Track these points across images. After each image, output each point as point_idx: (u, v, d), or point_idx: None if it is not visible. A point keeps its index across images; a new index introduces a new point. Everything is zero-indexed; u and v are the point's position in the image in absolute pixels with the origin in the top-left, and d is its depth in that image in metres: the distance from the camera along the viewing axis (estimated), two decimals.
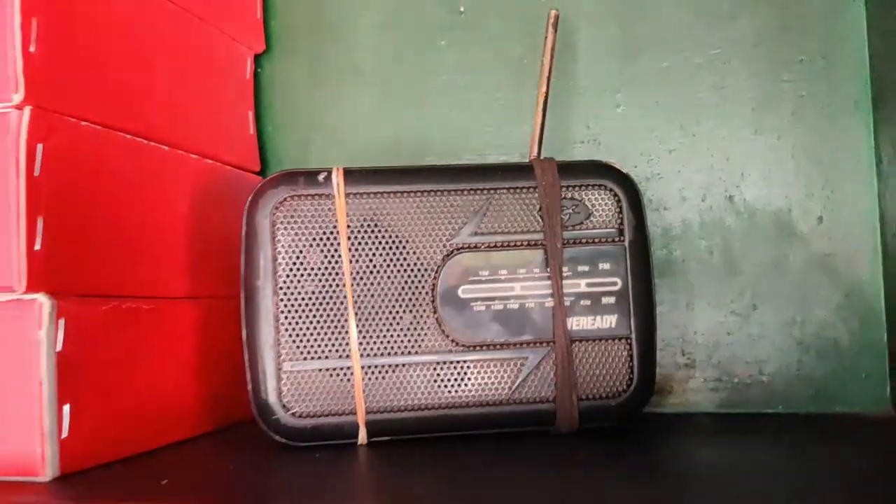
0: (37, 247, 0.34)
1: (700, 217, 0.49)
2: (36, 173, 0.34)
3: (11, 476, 0.34)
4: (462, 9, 0.52)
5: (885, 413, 0.45)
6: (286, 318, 0.39)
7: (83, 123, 0.37)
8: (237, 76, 0.52)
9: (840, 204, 0.47)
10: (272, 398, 0.39)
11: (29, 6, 0.34)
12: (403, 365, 0.40)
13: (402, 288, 0.40)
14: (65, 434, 0.35)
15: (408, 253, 0.40)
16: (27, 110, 0.34)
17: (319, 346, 0.39)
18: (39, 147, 0.35)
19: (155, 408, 0.41)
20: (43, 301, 0.34)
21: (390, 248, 0.40)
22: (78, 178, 0.37)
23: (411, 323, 0.40)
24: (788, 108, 0.48)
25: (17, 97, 0.34)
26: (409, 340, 0.40)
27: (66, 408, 0.35)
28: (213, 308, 0.47)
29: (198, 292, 0.45)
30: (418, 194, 0.41)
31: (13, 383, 0.34)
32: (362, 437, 0.40)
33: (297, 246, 0.40)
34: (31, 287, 0.34)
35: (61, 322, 0.35)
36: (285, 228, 0.40)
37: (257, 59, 0.54)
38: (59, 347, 0.35)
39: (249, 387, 0.39)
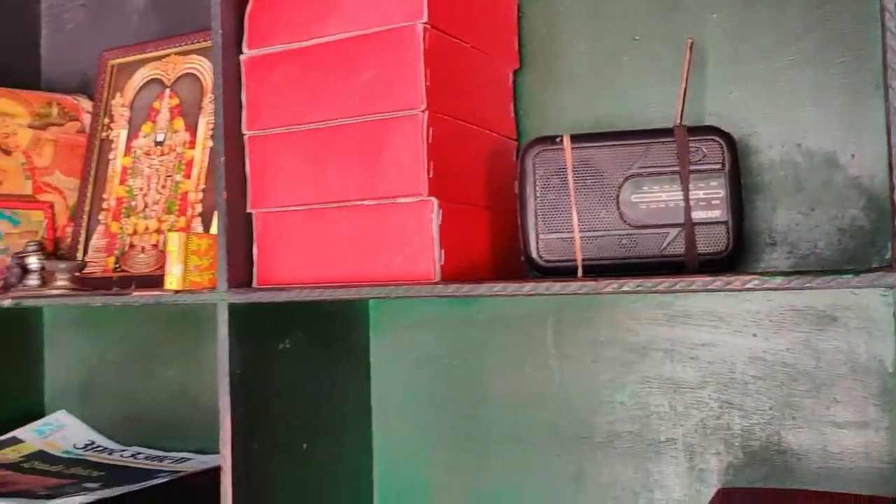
0: (430, 175, 0.75)
1: (779, 158, 0.81)
2: (430, 142, 0.75)
3: (422, 281, 0.75)
4: (637, 37, 0.88)
5: None
6: (541, 212, 0.77)
7: (445, 117, 0.77)
8: (504, 84, 0.91)
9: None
10: (534, 253, 0.77)
11: (427, 63, 0.74)
12: (601, 235, 0.77)
13: (600, 196, 0.77)
14: (442, 262, 0.75)
15: (604, 178, 0.77)
16: (427, 112, 0.74)
17: (557, 224, 0.77)
18: (431, 130, 0.75)
19: (474, 257, 0.81)
20: (433, 200, 0.75)
21: (595, 175, 0.77)
22: (445, 145, 0.77)
23: (605, 213, 0.77)
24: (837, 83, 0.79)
25: (423, 106, 0.74)
26: (604, 222, 0.77)
27: (443, 251, 0.75)
28: (494, 214, 0.86)
29: (487, 204, 0.85)
30: (611, 146, 0.77)
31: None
32: (580, 273, 0.77)
33: (545, 175, 0.78)
34: (429, 193, 0.75)
35: (440, 211, 0.75)
36: (539, 166, 0.78)
37: (514, 73, 0.93)
38: (440, 222, 0.75)
39: (522, 246, 0.78)
